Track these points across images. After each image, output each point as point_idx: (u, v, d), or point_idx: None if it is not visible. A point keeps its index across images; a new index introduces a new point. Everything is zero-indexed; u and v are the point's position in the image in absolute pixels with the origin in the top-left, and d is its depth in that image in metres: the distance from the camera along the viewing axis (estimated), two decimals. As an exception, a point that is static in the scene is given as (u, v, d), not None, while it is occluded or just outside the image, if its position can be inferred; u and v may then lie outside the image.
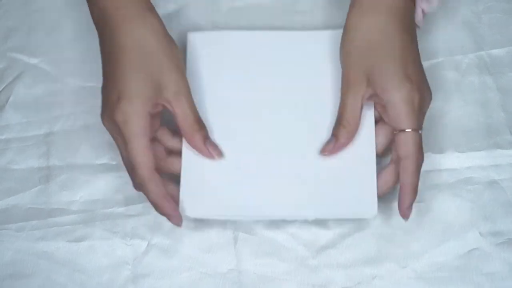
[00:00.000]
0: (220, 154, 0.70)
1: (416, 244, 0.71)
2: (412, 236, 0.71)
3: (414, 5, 0.71)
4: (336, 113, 0.71)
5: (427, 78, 0.71)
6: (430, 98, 0.68)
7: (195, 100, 0.70)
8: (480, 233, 0.71)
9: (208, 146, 0.69)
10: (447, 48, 0.76)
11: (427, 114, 0.73)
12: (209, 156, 0.70)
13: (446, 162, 0.73)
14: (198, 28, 0.78)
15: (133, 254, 0.72)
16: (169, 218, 0.68)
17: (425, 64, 0.75)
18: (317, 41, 0.75)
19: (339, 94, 0.70)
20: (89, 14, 0.79)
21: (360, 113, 0.69)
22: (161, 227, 0.73)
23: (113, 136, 0.69)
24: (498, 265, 0.70)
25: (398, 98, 0.66)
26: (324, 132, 0.71)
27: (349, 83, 0.69)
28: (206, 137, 0.69)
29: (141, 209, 0.73)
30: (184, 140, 0.71)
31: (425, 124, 0.73)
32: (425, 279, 0.70)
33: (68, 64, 0.78)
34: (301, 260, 0.71)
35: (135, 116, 0.66)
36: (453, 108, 0.75)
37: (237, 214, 0.71)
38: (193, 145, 0.69)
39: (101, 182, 0.75)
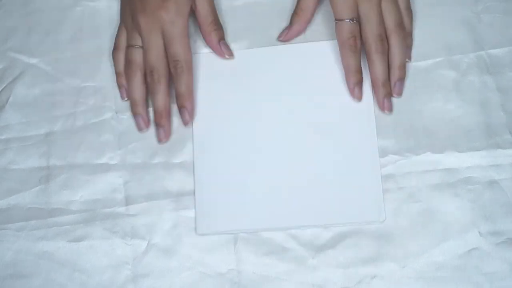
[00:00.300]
0: (230, 54, 0.76)
1: (416, 244, 0.71)
2: (411, 236, 0.71)
3: None
4: (342, 124, 0.74)
5: (425, 77, 0.72)
6: None
7: (201, 119, 0.75)
8: (479, 232, 0.71)
9: (222, 45, 0.76)
10: (447, 47, 0.76)
11: (427, 114, 0.74)
12: (221, 54, 0.76)
13: (446, 162, 0.73)
14: (197, 28, 0.78)
15: (133, 254, 0.73)
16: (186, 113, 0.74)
17: (425, 63, 0.76)
18: (317, 52, 0.76)
19: (345, 103, 0.74)
20: (88, 15, 0.80)
21: (314, 5, 0.76)
22: (161, 227, 0.73)
23: (143, 34, 0.73)
24: (498, 265, 0.70)
25: None
26: (330, 142, 0.73)
27: None
28: (221, 37, 0.76)
29: (141, 209, 0.74)
30: (195, 163, 0.74)
31: (425, 123, 0.74)
32: (424, 279, 0.70)
33: (67, 64, 0.78)
34: (300, 260, 0.71)
35: (180, 17, 0.73)
36: (452, 107, 0.75)
37: (250, 227, 0.72)
38: (209, 42, 0.76)
39: (101, 182, 0.75)
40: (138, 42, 0.74)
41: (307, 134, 0.74)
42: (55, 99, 0.77)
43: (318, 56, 0.76)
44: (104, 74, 0.78)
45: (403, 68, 0.74)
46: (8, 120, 0.77)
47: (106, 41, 0.78)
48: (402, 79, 0.74)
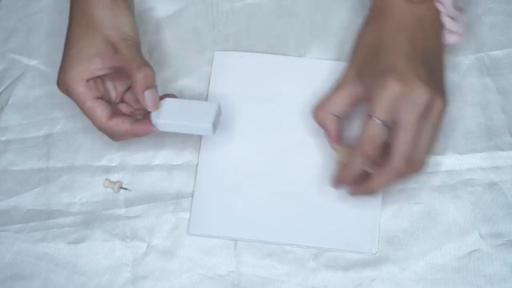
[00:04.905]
0: (154, 107, 0.69)
1: (416, 246, 0.71)
2: (412, 238, 0.71)
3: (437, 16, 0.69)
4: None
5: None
6: (425, 98, 0.65)
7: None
8: (480, 234, 0.71)
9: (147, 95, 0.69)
10: (447, 49, 0.76)
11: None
12: (144, 104, 0.69)
13: (447, 164, 0.73)
14: (198, 29, 0.79)
15: (133, 255, 0.72)
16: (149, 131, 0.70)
17: (425, 65, 0.76)
18: (332, 71, 0.75)
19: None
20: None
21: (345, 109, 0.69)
22: (161, 229, 0.73)
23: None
24: (498, 266, 0.70)
25: (376, 85, 0.65)
26: (332, 162, 0.72)
27: (342, 77, 0.70)
28: (149, 86, 0.69)
29: (141, 211, 0.74)
30: (199, 163, 0.74)
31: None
32: (425, 281, 0.70)
33: (67, 66, 0.78)
34: (300, 262, 0.71)
35: (73, 85, 0.68)
36: (453, 109, 0.74)
37: (243, 236, 0.72)
38: (135, 90, 0.69)
39: (101, 184, 0.75)
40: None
41: (313, 155, 0.73)
42: (55, 100, 0.77)
43: (325, 73, 0.75)
44: (104, 76, 0.77)
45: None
46: (8, 121, 0.77)
47: (106, 43, 0.78)
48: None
